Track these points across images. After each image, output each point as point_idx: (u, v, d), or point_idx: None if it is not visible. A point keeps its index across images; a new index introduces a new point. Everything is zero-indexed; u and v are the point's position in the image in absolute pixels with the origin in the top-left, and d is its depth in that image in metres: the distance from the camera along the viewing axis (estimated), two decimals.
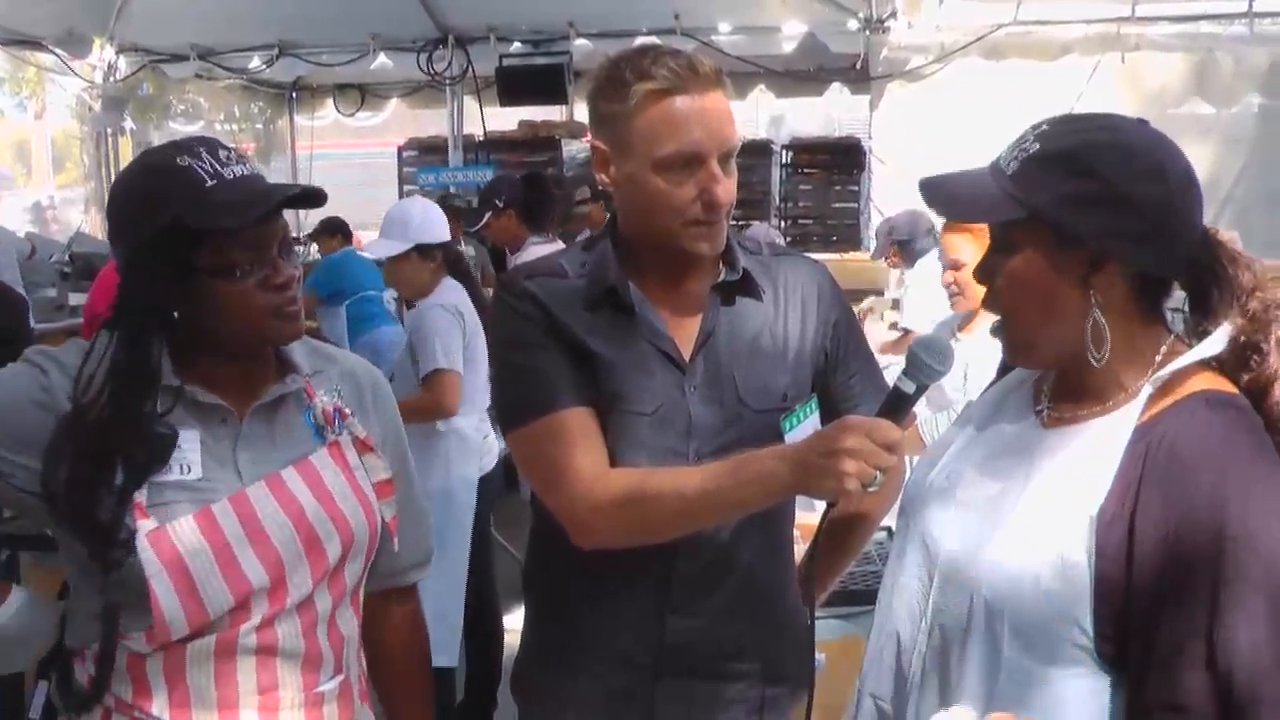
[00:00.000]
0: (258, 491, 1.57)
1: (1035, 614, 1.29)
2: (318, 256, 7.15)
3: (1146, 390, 1.32)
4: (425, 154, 9.79)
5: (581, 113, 8.83)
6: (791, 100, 10.11)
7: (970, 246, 3.26)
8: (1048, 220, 1.31)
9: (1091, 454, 1.31)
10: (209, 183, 1.49)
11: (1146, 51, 6.87)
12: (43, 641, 1.66)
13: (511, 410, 1.76)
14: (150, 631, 1.50)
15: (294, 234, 1.64)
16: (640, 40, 6.47)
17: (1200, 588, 1.21)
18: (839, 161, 9.33)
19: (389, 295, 6.37)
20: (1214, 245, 1.36)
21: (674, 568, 1.75)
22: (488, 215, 5.40)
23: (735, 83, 1.74)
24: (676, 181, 1.66)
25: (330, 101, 10.33)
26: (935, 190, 1.41)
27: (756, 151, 9.18)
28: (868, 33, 7.36)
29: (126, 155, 9.31)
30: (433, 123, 10.06)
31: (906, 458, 1.98)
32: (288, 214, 1.62)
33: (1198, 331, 1.36)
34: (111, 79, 8.77)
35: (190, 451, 1.55)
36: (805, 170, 9.48)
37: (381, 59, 8.49)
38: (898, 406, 1.49)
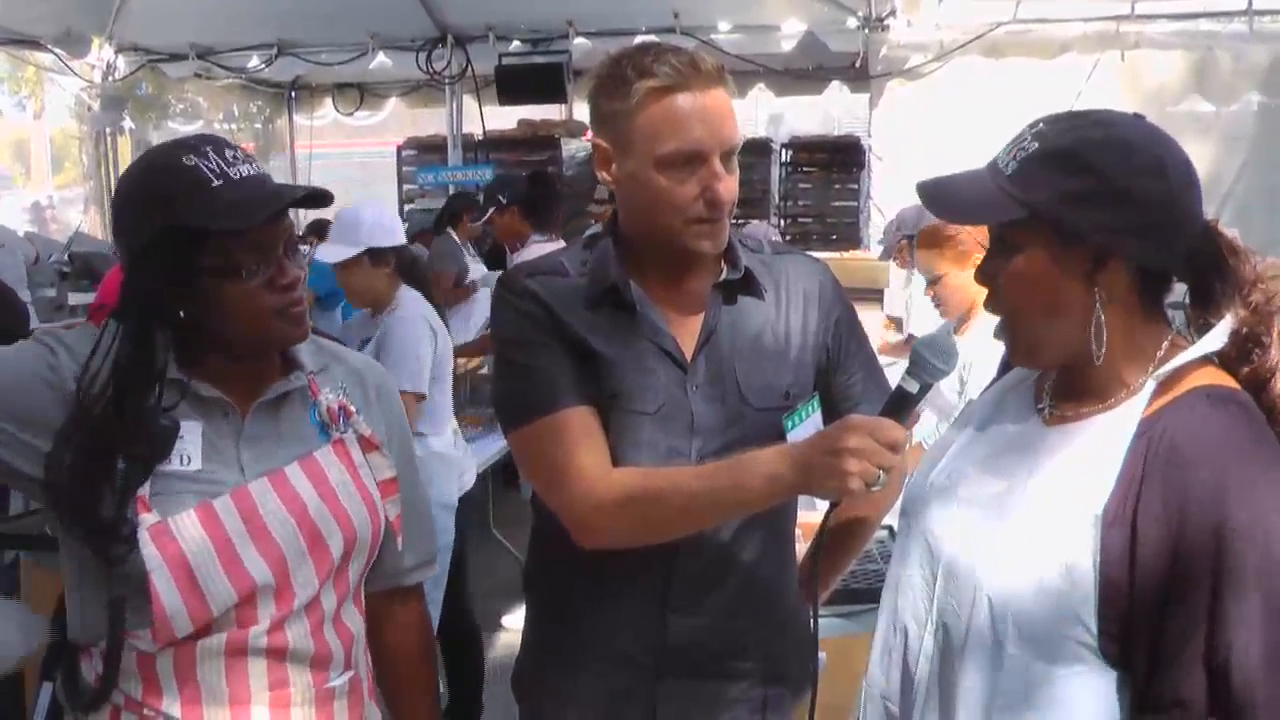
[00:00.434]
0: (260, 487, 1.56)
1: (1039, 613, 1.29)
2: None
3: (1150, 386, 1.32)
4: (424, 153, 9.79)
5: (581, 112, 8.85)
6: (791, 99, 10.12)
7: (944, 260, 3.29)
8: (1048, 218, 1.31)
9: (1094, 452, 1.31)
10: (215, 183, 1.49)
11: (1146, 49, 6.87)
12: (15, 653, 1.65)
13: (513, 409, 1.75)
14: (154, 628, 1.49)
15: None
16: (640, 39, 6.48)
17: (1201, 583, 1.21)
18: (838, 160, 9.32)
19: None
20: (1215, 237, 1.36)
21: (675, 567, 1.75)
22: (491, 211, 5.40)
23: (734, 81, 1.73)
24: (678, 179, 1.66)
25: (329, 101, 10.32)
26: (934, 193, 1.40)
27: (756, 150, 9.18)
28: (867, 31, 7.35)
29: (125, 155, 9.31)
30: (432, 122, 10.06)
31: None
32: (289, 213, 1.61)
33: (1199, 325, 1.36)
34: (110, 78, 8.76)
35: (191, 443, 1.55)
36: (805, 169, 9.47)
37: (380, 58, 8.48)
38: (901, 405, 1.49)
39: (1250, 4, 6.62)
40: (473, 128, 9.17)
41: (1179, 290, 1.40)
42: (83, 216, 9.71)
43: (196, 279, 1.51)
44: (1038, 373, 1.51)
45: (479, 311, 6.16)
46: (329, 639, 1.62)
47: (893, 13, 7.27)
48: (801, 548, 2.00)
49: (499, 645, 4.80)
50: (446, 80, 8.57)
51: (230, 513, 1.53)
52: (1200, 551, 1.21)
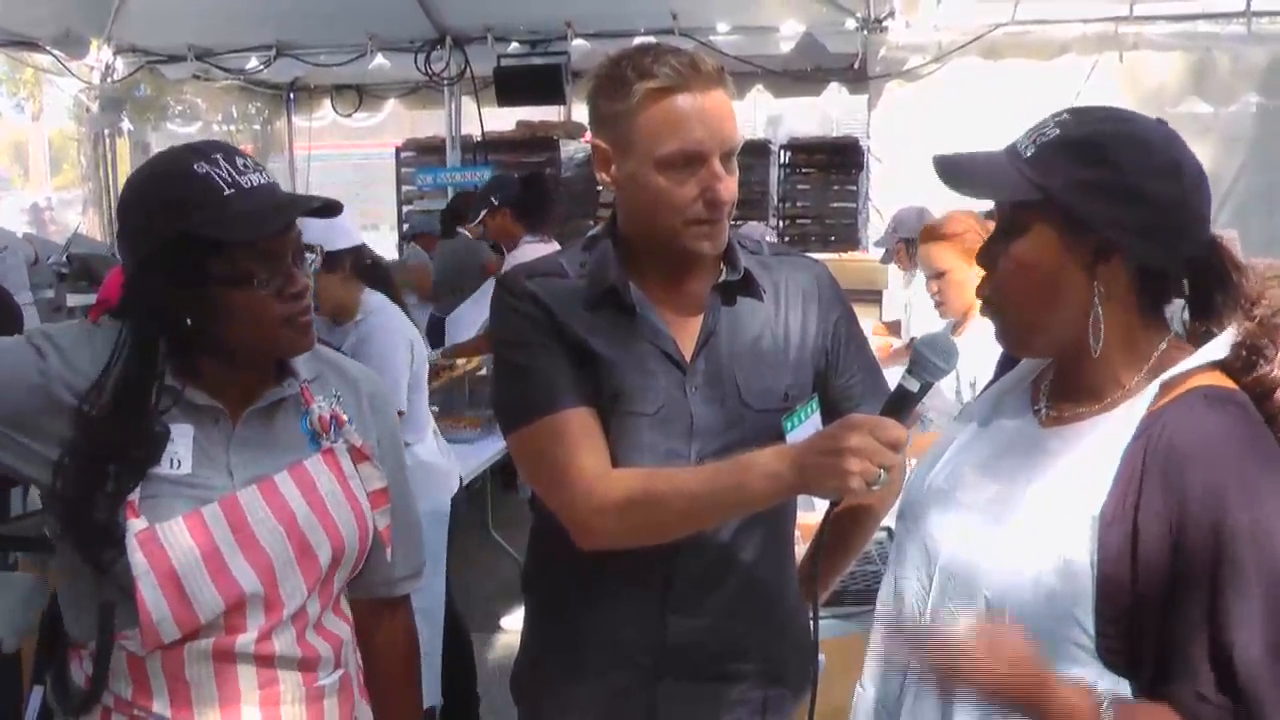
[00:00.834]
0: (249, 495, 1.56)
1: (1037, 614, 1.29)
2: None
3: (1152, 389, 1.32)
4: (423, 154, 9.78)
5: (579, 113, 8.85)
6: (789, 100, 10.10)
7: (947, 255, 3.27)
8: (1060, 204, 1.31)
9: (1092, 454, 1.32)
10: (227, 191, 1.49)
11: (1144, 51, 6.87)
12: (18, 625, 1.66)
13: (513, 410, 1.75)
14: (141, 634, 1.49)
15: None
16: (638, 40, 6.48)
17: (1203, 582, 1.21)
18: (837, 161, 9.32)
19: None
20: (1219, 249, 1.36)
21: (675, 568, 1.75)
22: (483, 213, 5.40)
23: (733, 83, 1.73)
24: (678, 180, 1.66)
25: (328, 102, 10.31)
26: (950, 168, 1.41)
27: (754, 151, 9.17)
28: (865, 32, 7.34)
29: (124, 156, 9.30)
30: (430, 123, 10.04)
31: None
32: (297, 223, 1.61)
33: (1198, 333, 1.36)
34: (109, 80, 8.75)
35: (182, 446, 1.55)
36: (803, 170, 9.46)
37: (379, 60, 8.47)
38: (902, 405, 1.49)
39: (1249, 5, 6.62)
40: (471, 129, 9.16)
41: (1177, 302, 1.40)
42: (81, 218, 9.70)
43: (206, 287, 1.51)
44: (1034, 374, 1.51)
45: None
46: (315, 643, 1.62)
47: (891, 14, 7.26)
48: (801, 549, 2.00)
49: (498, 646, 4.79)
50: (445, 82, 8.56)
51: (219, 521, 1.53)
52: (1201, 550, 1.21)
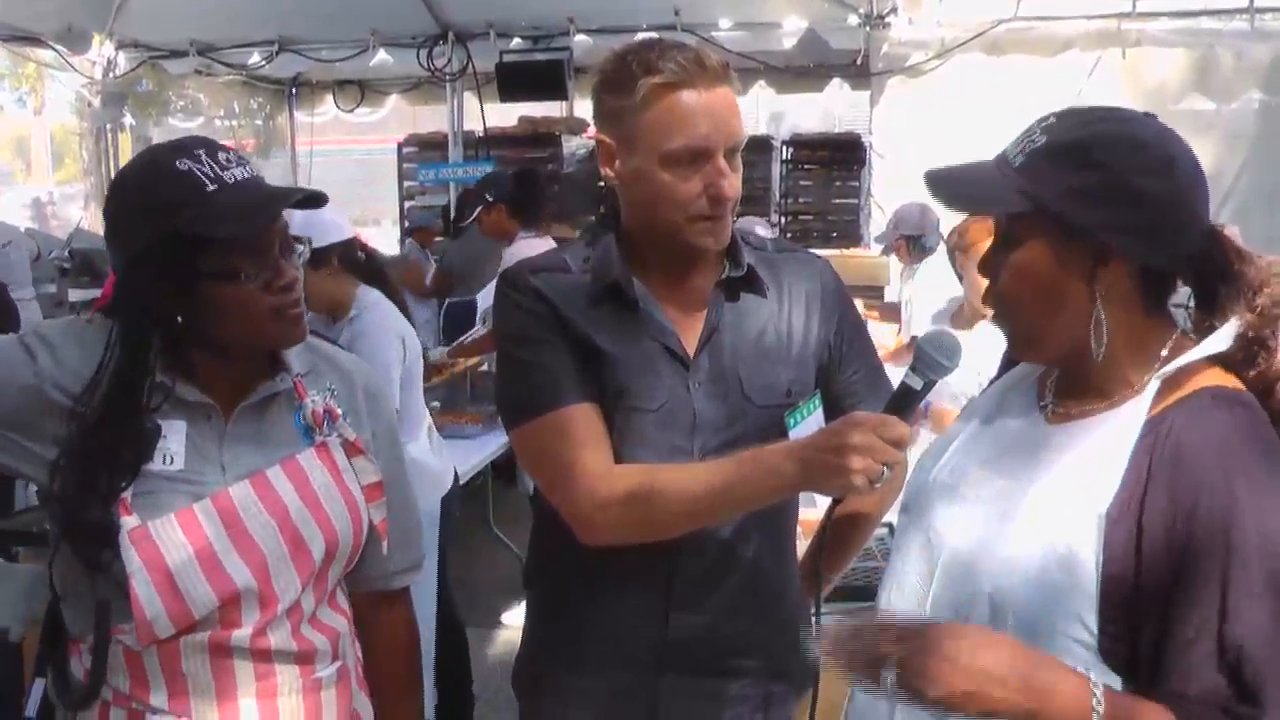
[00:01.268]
0: (242, 491, 1.56)
1: (1040, 610, 1.29)
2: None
3: (1153, 386, 1.32)
4: (425, 150, 9.77)
5: (581, 109, 8.85)
6: (792, 96, 10.13)
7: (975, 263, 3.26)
8: (1053, 213, 1.30)
9: (1098, 451, 1.31)
10: (210, 188, 1.49)
11: (1147, 47, 6.86)
12: (22, 617, 1.67)
13: (516, 406, 1.75)
14: (136, 630, 1.50)
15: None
16: (641, 36, 6.47)
17: (1210, 582, 1.20)
18: (839, 157, 9.31)
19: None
20: (1220, 241, 1.35)
21: (677, 564, 1.75)
22: (478, 210, 5.39)
23: (736, 78, 1.73)
24: (683, 176, 1.65)
25: (330, 97, 10.31)
26: (941, 182, 1.40)
27: (757, 147, 9.16)
28: (868, 28, 7.34)
29: (126, 151, 9.30)
30: (432, 119, 10.04)
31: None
32: (284, 214, 1.61)
33: (1203, 328, 1.35)
34: (111, 75, 8.75)
35: (175, 442, 1.55)
36: (805, 166, 9.45)
37: (381, 55, 8.47)
38: (905, 402, 1.49)
39: (1252, 2, 6.61)
40: (473, 125, 9.16)
41: (1184, 290, 1.39)
42: (83, 212, 9.71)
43: (194, 284, 1.51)
44: (1040, 369, 1.50)
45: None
46: (311, 637, 1.62)
47: (894, 10, 7.26)
48: (802, 545, 2.00)
49: (499, 642, 4.80)
50: (447, 77, 8.56)
51: (211, 517, 1.53)
52: (1208, 551, 1.20)
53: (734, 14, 7.69)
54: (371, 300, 3.49)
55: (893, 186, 7.16)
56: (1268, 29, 6.69)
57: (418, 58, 8.36)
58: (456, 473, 3.94)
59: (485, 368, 5.55)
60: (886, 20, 7.29)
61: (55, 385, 1.51)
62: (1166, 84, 6.92)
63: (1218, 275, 1.35)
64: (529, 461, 1.80)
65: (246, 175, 1.53)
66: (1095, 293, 1.32)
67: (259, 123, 10.89)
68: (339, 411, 1.69)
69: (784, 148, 9.52)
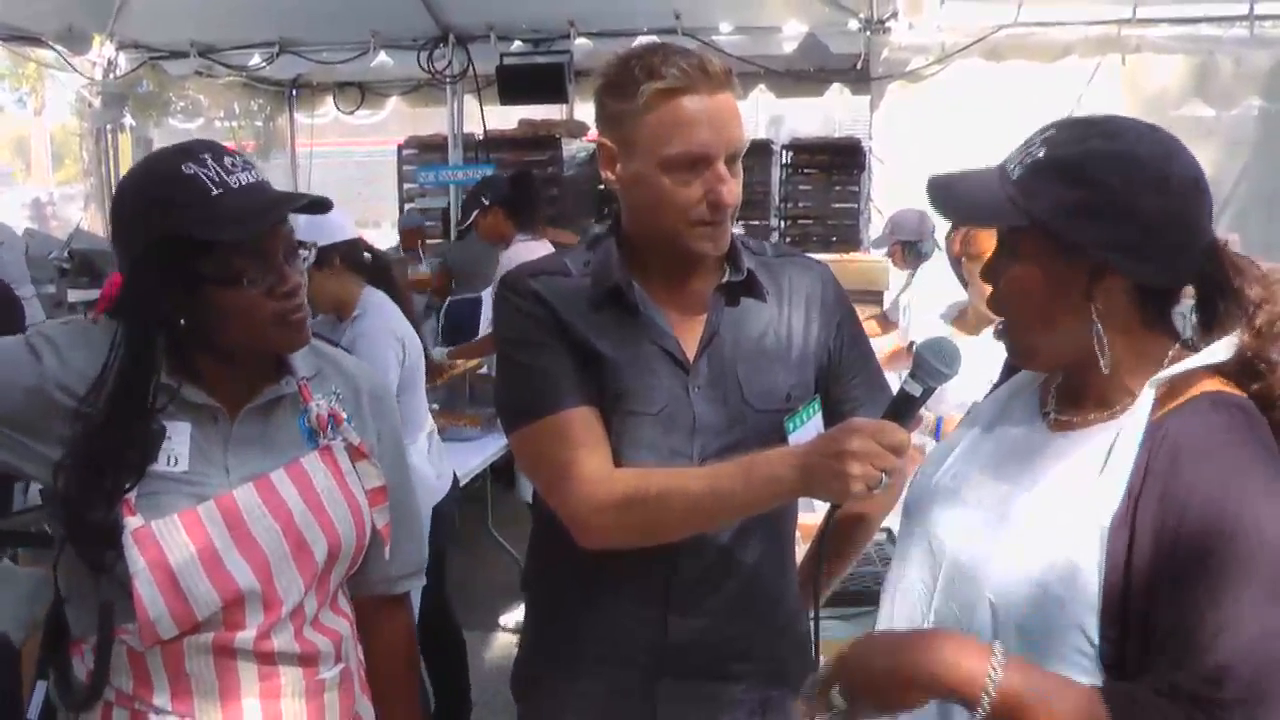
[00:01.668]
0: (245, 494, 1.57)
1: (1041, 618, 1.29)
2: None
3: (1149, 394, 1.32)
4: (425, 152, 9.76)
5: (581, 112, 8.85)
6: (792, 100, 10.08)
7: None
8: (1048, 229, 1.30)
9: (1099, 460, 1.31)
10: (215, 191, 1.49)
11: (1147, 53, 6.87)
12: (24, 621, 1.67)
13: (515, 410, 1.75)
14: (140, 630, 1.50)
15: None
16: (641, 39, 6.47)
17: (1204, 584, 1.20)
18: (839, 162, 9.30)
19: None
20: (1220, 256, 1.35)
21: (676, 568, 1.75)
22: (475, 213, 5.39)
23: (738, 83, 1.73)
24: (683, 181, 1.66)
25: (330, 99, 10.30)
26: (941, 191, 1.40)
27: (757, 151, 9.14)
28: (868, 33, 7.34)
29: (126, 152, 9.29)
30: (433, 121, 10.03)
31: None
32: (288, 220, 1.61)
33: (1206, 340, 1.35)
34: (111, 75, 8.74)
35: (179, 443, 1.55)
36: (805, 170, 9.45)
37: (382, 57, 8.47)
38: (904, 408, 1.49)
39: (1251, 9, 6.62)
40: (474, 127, 9.16)
41: (1187, 301, 1.39)
42: (83, 213, 9.70)
43: (198, 287, 1.51)
44: (1043, 377, 1.51)
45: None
46: (314, 639, 1.63)
47: (894, 15, 7.26)
48: (801, 550, 2.00)
49: (497, 646, 4.80)
50: (448, 80, 8.56)
51: (215, 519, 1.53)
52: (1202, 553, 1.20)
53: (734, 18, 7.69)
54: (374, 301, 3.50)
55: (892, 191, 7.17)
56: (1267, 36, 6.69)
57: (418, 60, 8.36)
58: (456, 477, 3.94)
59: (484, 370, 5.55)
60: (887, 25, 7.29)
61: (60, 386, 1.52)
62: (1166, 90, 6.93)
63: (1216, 290, 1.35)
64: (528, 465, 1.80)
65: (252, 180, 1.54)
66: (1092, 308, 1.32)
67: (259, 124, 10.89)
68: (343, 416, 1.69)
69: (784, 152, 9.51)
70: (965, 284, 3.54)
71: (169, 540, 1.50)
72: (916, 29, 7.26)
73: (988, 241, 3.20)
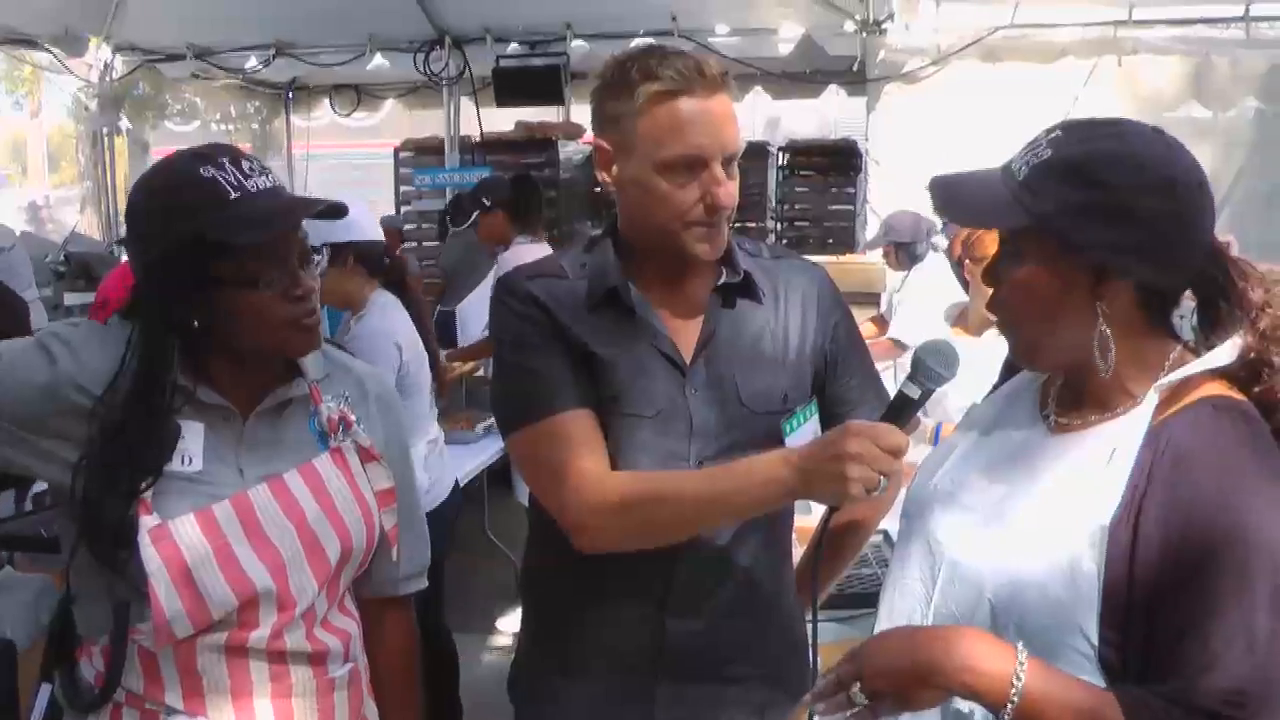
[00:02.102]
0: (260, 493, 1.58)
1: (1040, 620, 1.29)
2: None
3: (1153, 398, 1.31)
4: (421, 155, 9.73)
5: (578, 114, 8.83)
6: (788, 102, 10.09)
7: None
8: (1054, 230, 1.30)
9: (1099, 462, 1.31)
10: (233, 195, 1.51)
11: (1143, 55, 6.87)
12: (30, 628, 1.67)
13: (512, 412, 1.75)
14: (154, 631, 1.51)
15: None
16: (637, 41, 6.47)
17: (1206, 591, 1.20)
18: (835, 163, 9.30)
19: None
20: (1222, 259, 1.35)
21: (673, 571, 1.75)
22: (476, 214, 5.39)
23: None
24: (679, 183, 1.66)
25: (326, 102, 10.29)
26: (944, 192, 1.40)
27: (753, 153, 9.12)
28: (864, 35, 7.33)
29: (122, 155, 9.28)
30: (429, 123, 10.00)
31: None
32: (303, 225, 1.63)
33: (1207, 343, 1.35)
34: (108, 78, 8.73)
35: (193, 443, 1.57)
36: (802, 172, 9.44)
37: (378, 60, 8.46)
38: (902, 411, 1.49)
39: (1247, 10, 6.62)
40: (470, 129, 9.15)
41: (1189, 303, 1.39)
42: (79, 216, 9.67)
43: (213, 289, 1.53)
44: (1042, 379, 1.50)
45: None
46: (324, 638, 1.64)
47: (890, 16, 7.25)
48: (798, 552, 2.00)
49: (495, 649, 4.78)
50: (444, 82, 8.56)
51: (230, 518, 1.55)
52: (1209, 562, 1.20)
53: (730, 20, 7.68)
54: (380, 304, 3.52)
55: (889, 193, 7.15)
56: (1264, 37, 6.70)
57: (414, 62, 8.35)
58: (458, 483, 3.92)
59: (482, 373, 5.55)
60: (883, 26, 7.28)
61: (75, 386, 1.53)
62: (1162, 91, 6.93)
63: (1219, 292, 1.35)
64: (525, 467, 1.80)
65: (268, 184, 1.56)
66: (1097, 309, 1.32)
67: (255, 126, 10.88)
68: (354, 418, 1.70)
69: (780, 154, 9.52)
70: (966, 286, 3.54)
71: (185, 539, 1.51)
72: (912, 30, 7.25)
73: (992, 244, 3.21)
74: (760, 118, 11.59)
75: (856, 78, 7.87)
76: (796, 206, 9.43)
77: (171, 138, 9.65)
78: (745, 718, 1.84)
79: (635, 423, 1.72)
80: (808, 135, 10.47)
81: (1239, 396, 1.32)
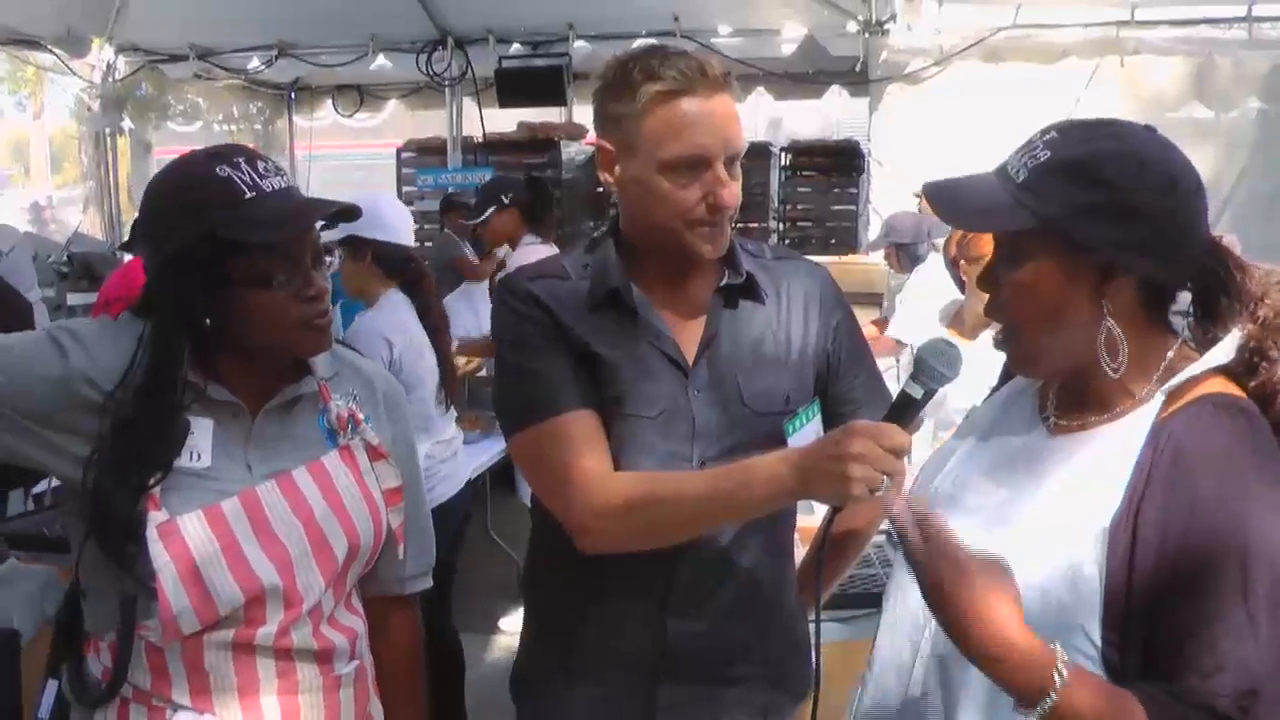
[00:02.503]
0: (268, 490, 1.59)
1: (1043, 622, 1.28)
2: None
3: (1159, 400, 1.31)
4: (424, 155, 9.75)
5: (580, 115, 8.84)
6: (790, 103, 10.10)
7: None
8: (1059, 230, 1.30)
9: (1101, 463, 1.31)
10: (248, 194, 1.52)
11: (1146, 55, 6.87)
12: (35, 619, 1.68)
13: (514, 412, 1.75)
14: (162, 627, 1.51)
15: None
16: (639, 42, 6.47)
17: (1207, 591, 1.20)
18: (838, 164, 9.30)
19: None
20: (1220, 253, 1.36)
21: (675, 571, 1.75)
22: (491, 210, 5.40)
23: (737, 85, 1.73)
24: (682, 183, 1.66)
25: (329, 102, 10.31)
26: (942, 196, 1.39)
27: (755, 154, 9.13)
28: (867, 35, 7.34)
29: (125, 156, 9.30)
30: (431, 124, 10.02)
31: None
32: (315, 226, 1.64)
33: (1205, 339, 1.36)
34: (110, 79, 8.75)
35: (202, 439, 1.58)
36: (804, 173, 9.45)
37: (380, 60, 8.48)
38: (905, 411, 1.48)
39: (1250, 10, 6.62)
40: (472, 130, 9.16)
41: (1183, 298, 1.40)
42: (82, 217, 9.69)
43: (225, 288, 1.54)
44: (1042, 380, 1.50)
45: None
46: (330, 636, 1.65)
47: (893, 17, 7.27)
48: (800, 552, 2.00)
49: (496, 649, 4.79)
50: (446, 82, 8.57)
51: (238, 515, 1.56)
52: (1207, 562, 1.20)
53: (733, 20, 7.69)
54: (388, 302, 3.62)
55: (891, 193, 7.17)
56: (1266, 37, 6.70)
57: (417, 63, 8.37)
58: (470, 483, 3.92)
59: (484, 373, 5.54)
60: (885, 27, 7.29)
61: (86, 380, 1.53)
62: (1165, 92, 6.94)
63: (1219, 287, 1.35)
64: (527, 468, 1.80)
65: (282, 185, 1.57)
66: (1102, 308, 1.32)
67: (258, 127, 10.89)
68: (362, 416, 1.71)
69: (783, 154, 9.52)
70: (962, 287, 3.53)
71: (193, 535, 1.52)
72: (915, 31, 7.26)
73: (988, 244, 3.20)
74: (762, 118, 11.59)
75: (859, 78, 7.88)
76: (799, 207, 9.43)
77: (174, 138, 9.66)
78: (746, 718, 1.84)
79: (638, 424, 1.72)
80: (810, 136, 10.46)
81: (1238, 392, 1.32)
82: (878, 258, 6.24)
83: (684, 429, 1.73)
